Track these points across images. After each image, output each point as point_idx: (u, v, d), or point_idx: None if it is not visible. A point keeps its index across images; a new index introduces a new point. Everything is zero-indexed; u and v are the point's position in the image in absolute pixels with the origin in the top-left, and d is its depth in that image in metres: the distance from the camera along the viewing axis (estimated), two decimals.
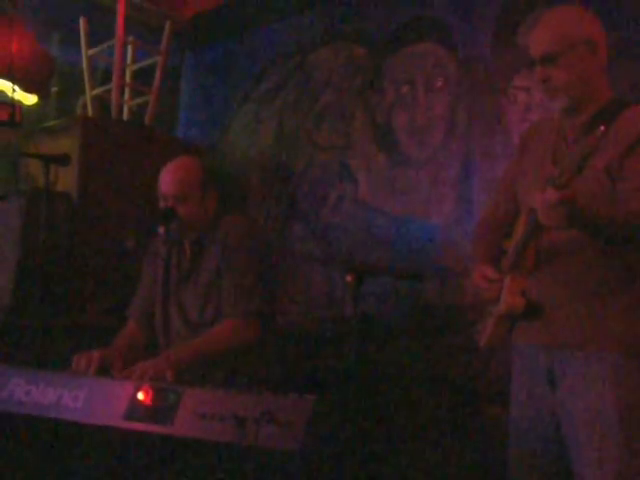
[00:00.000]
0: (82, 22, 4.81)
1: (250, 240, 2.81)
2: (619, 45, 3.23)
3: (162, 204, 2.84)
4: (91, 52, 4.84)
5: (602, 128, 1.90)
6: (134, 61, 4.96)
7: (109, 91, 4.79)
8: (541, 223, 2.02)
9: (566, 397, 2.19)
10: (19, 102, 4.99)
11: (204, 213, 2.84)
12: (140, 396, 2.09)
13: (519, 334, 2.33)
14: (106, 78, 4.89)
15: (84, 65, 4.84)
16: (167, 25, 4.95)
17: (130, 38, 4.88)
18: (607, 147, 2.09)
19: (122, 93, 4.84)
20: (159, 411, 2.05)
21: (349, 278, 2.23)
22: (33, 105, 5.16)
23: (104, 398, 2.15)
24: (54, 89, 5.32)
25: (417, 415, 3.57)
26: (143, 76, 5.00)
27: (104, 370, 2.52)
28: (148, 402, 2.08)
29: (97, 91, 4.87)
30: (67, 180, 4.17)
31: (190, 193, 2.80)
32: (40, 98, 5.15)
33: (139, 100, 4.97)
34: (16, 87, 5.02)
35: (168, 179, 2.84)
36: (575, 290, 2.18)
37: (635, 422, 2.09)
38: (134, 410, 2.08)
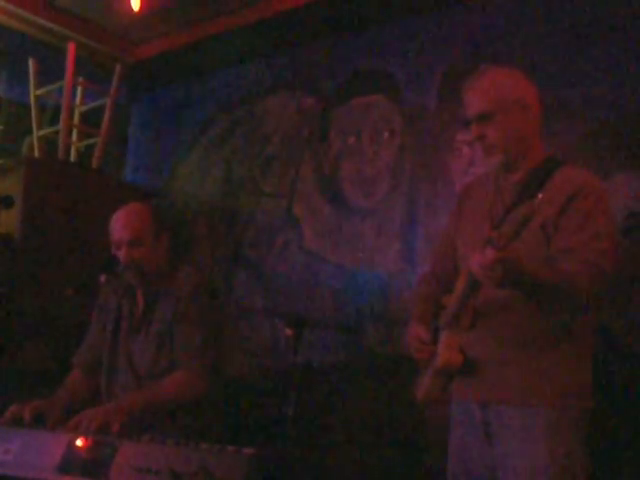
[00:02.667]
0: (31, 63, 4.78)
1: (204, 294, 2.78)
2: (556, 104, 3.35)
3: (114, 251, 2.79)
4: (39, 92, 4.82)
5: (540, 196, 1.96)
6: (83, 102, 4.94)
7: (57, 132, 4.75)
8: (479, 282, 2.06)
9: (502, 452, 2.21)
10: None
11: (156, 259, 2.80)
12: (75, 447, 2.05)
13: (456, 389, 2.35)
14: (56, 116, 4.85)
15: (32, 105, 4.80)
16: (117, 68, 4.95)
17: (79, 79, 4.86)
18: (542, 207, 2.15)
19: (70, 134, 4.81)
20: (94, 464, 2.00)
21: (289, 332, 2.24)
22: None
23: (37, 450, 2.09)
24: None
25: (359, 467, 3.55)
26: (92, 117, 4.99)
27: (40, 420, 2.46)
28: (83, 454, 2.04)
29: (44, 131, 4.83)
30: (9, 221, 4.10)
31: (143, 238, 2.76)
32: None
33: (87, 142, 4.94)
34: None
35: (120, 225, 2.79)
36: (510, 346, 2.21)
37: (568, 476, 2.13)
38: (68, 463, 2.03)
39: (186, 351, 2.66)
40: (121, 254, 2.76)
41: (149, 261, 2.77)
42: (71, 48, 4.70)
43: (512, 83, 2.30)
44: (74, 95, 4.86)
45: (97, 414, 2.30)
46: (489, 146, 2.28)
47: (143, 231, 2.77)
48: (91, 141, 4.94)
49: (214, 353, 2.70)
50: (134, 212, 2.83)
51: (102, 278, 2.75)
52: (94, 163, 4.86)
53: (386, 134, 4.13)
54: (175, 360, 2.68)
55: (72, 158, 4.82)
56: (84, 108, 4.95)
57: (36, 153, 4.79)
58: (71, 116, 4.81)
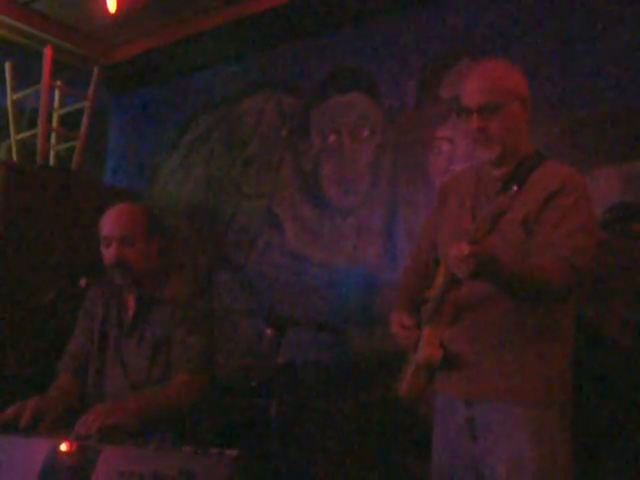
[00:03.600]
0: (8, 67, 4.75)
1: (202, 300, 2.77)
2: (535, 99, 3.36)
3: (103, 248, 2.72)
4: (16, 96, 4.79)
5: (515, 188, 1.96)
6: (61, 105, 4.91)
7: (35, 136, 4.72)
8: (457, 276, 2.07)
9: (486, 448, 2.22)
10: None
11: (147, 262, 2.74)
12: (57, 453, 2.03)
13: (440, 385, 2.36)
14: (34, 120, 4.82)
15: (9, 110, 4.77)
16: (95, 70, 4.93)
17: (57, 82, 4.83)
18: (524, 201, 2.18)
19: (48, 138, 4.78)
20: (76, 470, 1.98)
21: (269, 332, 2.24)
22: None
23: (18, 457, 2.07)
24: None
25: (344, 468, 3.55)
26: (70, 121, 4.96)
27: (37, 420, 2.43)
28: (65, 460, 2.02)
29: (22, 135, 4.80)
30: None
31: (134, 236, 2.70)
32: None
33: (66, 145, 4.91)
34: None
35: (111, 221, 2.73)
36: (492, 342, 2.22)
37: (552, 473, 2.14)
38: (50, 469, 2.01)
39: (186, 356, 2.64)
40: (109, 252, 2.70)
41: (139, 263, 2.71)
42: (48, 51, 4.67)
43: (514, 76, 2.29)
44: (52, 98, 4.83)
45: (97, 417, 2.24)
46: (489, 138, 2.25)
47: (135, 231, 2.72)
48: (70, 144, 4.91)
49: (212, 358, 2.69)
50: (128, 210, 2.77)
51: (82, 282, 2.72)
52: (73, 166, 4.83)
53: (366, 132, 4.14)
54: (174, 365, 2.65)
55: (51, 162, 4.79)
56: (62, 111, 4.92)
57: (14, 157, 4.76)
58: (49, 120, 4.78)
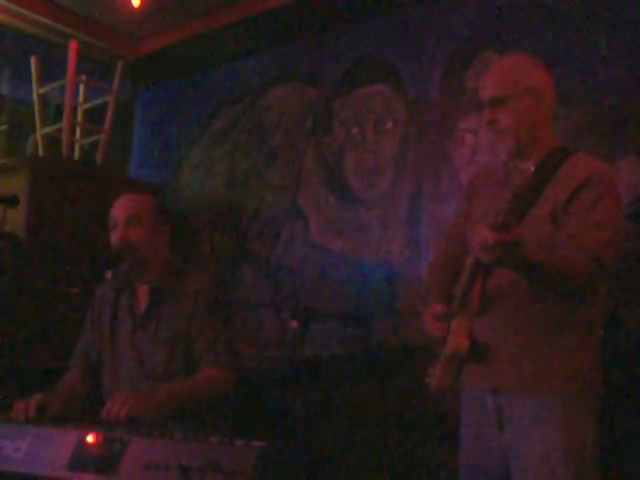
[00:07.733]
0: (34, 61, 4.77)
1: (224, 295, 2.78)
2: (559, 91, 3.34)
3: (111, 232, 2.73)
4: (42, 91, 4.81)
5: (532, 168, 1.98)
6: (86, 100, 4.94)
7: (60, 130, 4.75)
8: (482, 263, 2.07)
9: (514, 439, 2.21)
10: None
11: (155, 248, 2.74)
12: (85, 444, 2.05)
13: (467, 376, 2.34)
14: (59, 114, 4.85)
15: (35, 104, 4.80)
16: (119, 64, 4.95)
17: (82, 77, 4.85)
18: (552, 194, 2.19)
19: (73, 132, 4.81)
20: (104, 461, 1.99)
21: (294, 324, 2.24)
22: None
23: (47, 448, 2.09)
24: (3, 127, 5.26)
25: (368, 459, 3.55)
26: (95, 114, 4.98)
27: (44, 414, 2.44)
28: (93, 451, 2.04)
29: (48, 130, 4.82)
30: (15, 220, 4.10)
31: (141, 218, 2.70)
32: None
33: (91, 139, 4.94)
34: None
35: (119, 204, 2.75)
36: (519, 332, 2.22)
37: (581, 463, 2.13)
38: (78, 460, 2.02)
39: (213, 351, 2.63)
40: (115, 235, 2.70)
41: (145, 246, 2.69)
42: (73, 46, 4.68)
43: (527, 70, 2.32)
44: (77, 93, 4.85)
45: (124, 404, 2.27)
46: (500, 131, 2.29)
47: (142, 212, 2.72)
48: (95, 138, 4.94)
49: (237, 351, 2.70)
50: (135, 196, 2.80)
51: (108, 275, 2.73)
52: (98, 160, 4.86)
53: (389, 124, 4.13)
54: (198, 359, 2.65)
55: (76, 156, 4.82)
56: (87, 105, 4.94)
57: (40, 151, 4.79)
58: (74, 114, 4.80)
